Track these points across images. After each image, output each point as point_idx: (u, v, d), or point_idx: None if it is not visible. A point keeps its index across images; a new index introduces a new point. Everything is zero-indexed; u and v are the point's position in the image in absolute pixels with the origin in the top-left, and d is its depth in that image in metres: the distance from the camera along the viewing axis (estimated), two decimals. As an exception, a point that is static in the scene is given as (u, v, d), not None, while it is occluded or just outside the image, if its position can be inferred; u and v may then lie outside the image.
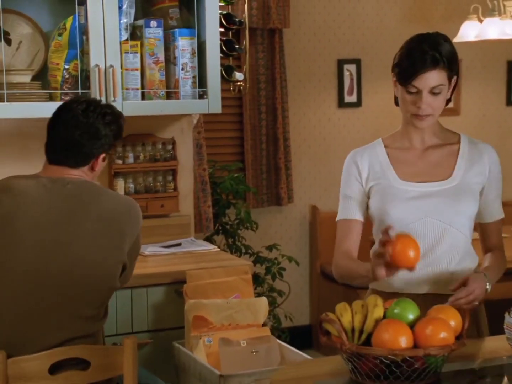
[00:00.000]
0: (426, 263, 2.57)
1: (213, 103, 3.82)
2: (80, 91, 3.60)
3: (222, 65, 4.00)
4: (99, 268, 2.71)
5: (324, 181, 5.95)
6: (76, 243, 2.68)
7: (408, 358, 2.03)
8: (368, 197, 2.68)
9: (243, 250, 4.98)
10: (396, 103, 2.65)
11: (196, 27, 3.79)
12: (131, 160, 4.03)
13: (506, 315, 2.34)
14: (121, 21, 3.68)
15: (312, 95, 5.92)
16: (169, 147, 4.13)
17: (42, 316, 2.65)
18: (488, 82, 6.37)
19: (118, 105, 3.52)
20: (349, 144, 5.61)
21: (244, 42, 4.41)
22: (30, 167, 3.64)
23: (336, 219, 2.75)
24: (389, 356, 2.02)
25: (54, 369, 2.58)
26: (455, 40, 5.42)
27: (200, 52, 3.80)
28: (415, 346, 2.06)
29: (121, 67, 3.67)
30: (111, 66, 3.61)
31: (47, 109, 3.52)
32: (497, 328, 2.41)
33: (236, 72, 4.20)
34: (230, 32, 4.27)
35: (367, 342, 2.10)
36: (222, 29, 4.09)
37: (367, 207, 2.69)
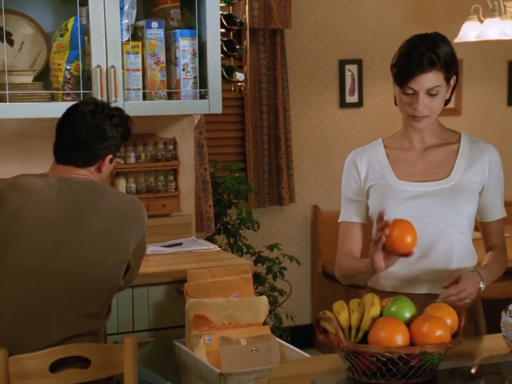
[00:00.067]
0: (425, 263, 2.58)
1: (214, 104, 3.84)
2: (81, 91, 3.62)
3: (223, 65, 4.02)
4: (103, 267, 2.73)
5: (326, 181, 5.96)
6: (80, 242, 2.70)
7: (404, 356, 2.04)
8: (367, 197, 2.69)
9: (245, 250, 5.00)
10: (396, 103, 2.66)
11: (197, 28, 3.81)
12: (132, 160, 4.05)
13: (503, 313, 2.35)
14: (123, 22, 3.69)
15: (314, 95, 5.93)
16: (171, 147, 4.15)
17: (44, 313, 2.66)
18: (489, 82, 6.38)
19: (119, 105, 3.54)
20: (350, 144, 5.62)
21: (245, 43, 4.42)
22: (31, 167, 3.68)
23: (338, 220, 2.78)
24: (386, 354, 2.03)
25: (55, 367, 2.60)
26: (456, 40, 5.44)
27: (201, 52, 3.82)
28: (412, 344, 2.07)
29: (123, 68, 3.68)
30: (113, 66, 3.62)
31: (49, 109, 3.58)
32: (496, 327, 2.42)
33: (237, 73, 4.21)
34: (231, 33, 4.28)
35: (364, 340, 2.11)
36: (223, 30, 4.10)
37: (367, 208, 2.70)
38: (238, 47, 4.24)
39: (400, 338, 2.06)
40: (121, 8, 3.68)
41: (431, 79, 2.50)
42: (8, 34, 3.74)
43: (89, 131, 2.81)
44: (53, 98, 3.67)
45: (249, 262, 3.78)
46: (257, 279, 4.89)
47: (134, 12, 3.78)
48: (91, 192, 2.80)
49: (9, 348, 2.56)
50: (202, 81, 3.84)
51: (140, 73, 3.75)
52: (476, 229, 2.74)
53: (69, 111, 2.89)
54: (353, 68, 5.98)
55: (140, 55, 3.75)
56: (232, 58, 4.35)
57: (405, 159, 2.67)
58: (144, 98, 3.77)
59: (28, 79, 3.64)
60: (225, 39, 4.19)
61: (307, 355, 3.18)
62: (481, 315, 2.73)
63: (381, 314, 2.16)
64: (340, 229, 2.75)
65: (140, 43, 3.76)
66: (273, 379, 2.20)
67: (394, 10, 6.07)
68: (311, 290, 6.00)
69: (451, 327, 2.14)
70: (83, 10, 3.64)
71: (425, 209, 2.56)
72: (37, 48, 3.82)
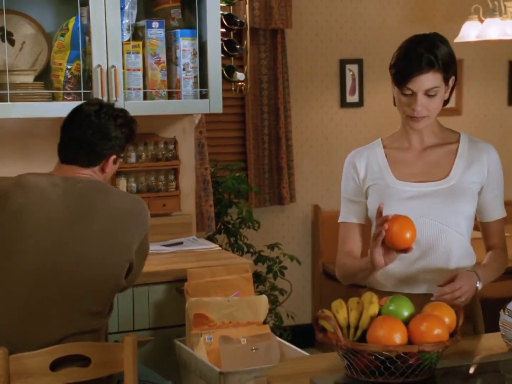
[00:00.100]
0: (424, 263, 2.59)
1: (214, 103, 3.84)
2: (82, 91, 3.63)
3: (223, 65, 4.03)
4: (105, 266, 2.74)
5: (326, 180, 5.97)
6: (83, 241, 2.71)
7: (402, 354, 2.04)
8: (366, 198, 2.69)
9: (245, 249, 5.01)
10: (395, 104, 2.67)
11: (197, 28, 3.82)
12: (133, 159, 4.06)
13: (502, 312, 2.36)
14: (123, 22, 3.70)
15: (314, 95, 5.94)
16: (171, 146, 4.16)
17: (44, 312, 2.67)
18: (489, 82, 6.38)
19: (120, 105, 3.56)
20: (351, 144, 5.63)
21: (245, 43, 4.43)
22: (32, 166, 3.69)
23: (338, 221, 2.78)
24: (384, 352, 2.04)
25: (55, 365, 2.61)
26: (456, 40, 5.45)
27: (202, 52, 3.83)
28: (410, 342, 2.07)
29: (123, 68, 3.69)
30: (113, 66, 3.63)
31: (49, 109, 3.59)
32: (495, 327, 2.42)
33: (237, 72, 4.22)
34: (232, 33, 4.29)
35: (363, 338, 2.12)
36: (224, 30, 4.11)
37: (367, 209, 2.70)
38: (238, 47, 4.25)
39: (398, 337, 2.06)
40: (122, 8, 3.69)
41: (429, 80, 2.50)
42: (9, 34, 3.75)
43: (93, 131, 2.83)
44: (54, 98, 3.68)
45: (249, 261, 3.79)
46: (258, 278, 4.90)
47: (135, 12, 3.79)
48: (94, 192, 2.81)
49: (10, 346, 2.56)
50: (202, 80, 3.84)
51: (140, 73, 3.76)
52: (476, 228, 2.74)
53: (74, 111, 2.91)
54: (354, 67, 5.99)
55: (140, 55, 3.76)
56: (232, 58, 4.36)
57: (404, 159, 2.67)
58: (145, 97, 3.78)
59: (29, 78, 3.65)
60: (226, 39, 4.19)
61: (307, 354, 3.19)
62: (480, 315, 2.73)
63: (379, 313, 2.16)
64: (340, 229, 2.76)
65: (140, 43, 3.77)
66: (272, 377, 2.20)
67: (394, 10, 6.07)
68: (312, 290, 6.01)
69: (449, 326, 2.14)
70: (84, 10, 3.65)
71: (424, 210, 2.55)
72: (38, 48, 3.83)
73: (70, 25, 3.64)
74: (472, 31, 5.42)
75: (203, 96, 3.85)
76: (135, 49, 3.74)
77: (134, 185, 4.06)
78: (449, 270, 2.58)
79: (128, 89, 3.73)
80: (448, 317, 2.17)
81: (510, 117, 6.49)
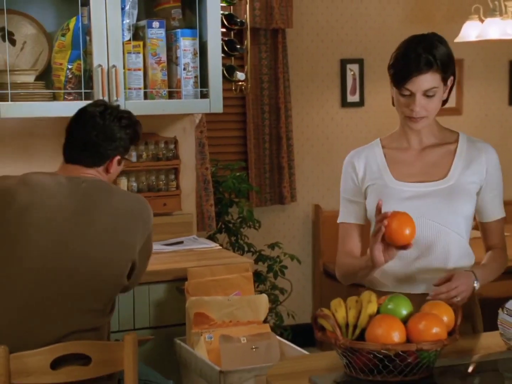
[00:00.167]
0: (422, 263, 2.59)
1: (215, 103, 3.85)
2: (83, 91, 3.64)
3: (224, 65, 4.04)
4: (107, 265, 2.76)
5: (327, 180, 5.98)
6: (85, 240, 2.73)
7: (401, 353, 2.05)
8: (365, 198, 2.69)
9: (246, 248, 5.02)
10: (394, 104, 2.67)
11: (198, 28, 3.83)
12: (134, 159, 4.06)
13: (500, 311, 2.37)
14: (124, 22, 3.71)
15: (315, 95, 5.95)
16: (172, 146, 4.17)
17: (46, 310, 2.69)
18: (490, 82, 6.39)
19: (121, 104, 3.56)
20: (351, 144, 5.63)
21: (245, 42, 4.44)
22: (33, 166, 3.72)
23: (337, 221, 2.78)
24: (382, 351, 2.04)
25: (56, 364, 2.62)
26: (457, 40, 5.45)
27: (202, 52, 3.84)
28: (408, 341, 2.08)
29: (124, 67, 3.70)
30: (114, 66, 3.64)
31: (50, 108, 3.60)
32: (495, 326, 2.43)
33: (238, 72, 4.23)
34: (232, 33, 4.30)
35: (361, 337, 2.12)
36: (224, 30, 4.12)
37: (366, 209, 2.70)
38: (239, 46, 4.26)
39: (396, 335, 2.07)
40: (123, 8, 3.70)
41: (428, 80, 2.50)
42: (10, 34, 3.76)
43: (98, 132, 2.87)
44: (54, 98, 3.69)
45: (250, 261, 3.79)
46: (258, 277, 4.91)
47: (136, 12, 3.80)
48: (98, 191, 2.83)
49: (10, 345, 2.58)
50: (203, 80, 3.85)
51: (141, 73, 3.77)
52: (475, 228, 2.75)
53: (79, 112, 2.95)
54: (355, 67, 6.00)
55: (141, 55, 3.77)
56: (233, 58, 4.37)
57: (403, 160, 2.67)
58: (145, 97, 3.79)
59: (30, 78, 3.67)
60: (226, 38, 4.21)
61: (307, 353, 3.20)
62: (479, 314, 2.73)
63: (378, 312, 2.17)
64: (339, 230, 2.77)
65: (141, 43, 3.78)
66: (271, 376, 2.21)
67: (395, 10, 6.08)
68: (312, 289, 6.02)
69: (447, 325, 2.15)
70: (84, 10, 3.66)
71: (422, 210, 2.55)
72: (39, 47, 3.84)
73: (71, 25, 3.65)
74: (472, 31, 5.43)
75: (204, 95, 3.86)
76: (135, 49, 3.75)
77: (134, 184, 4.07)
78: (447, 270, 2.58)
79: (129, 88, 3.74)
80: (447, 316, 2.17)
81: (510, 117, 6.49)
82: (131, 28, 3.76)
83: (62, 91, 3.66)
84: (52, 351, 2.61)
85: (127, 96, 3.71)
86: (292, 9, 5.66)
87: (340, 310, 2.18)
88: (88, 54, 3.67)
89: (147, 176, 4.12)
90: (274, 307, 5.03)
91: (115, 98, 3.62)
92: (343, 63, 5.97)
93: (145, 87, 3.79)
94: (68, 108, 3.60)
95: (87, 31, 3.66)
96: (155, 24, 3.79)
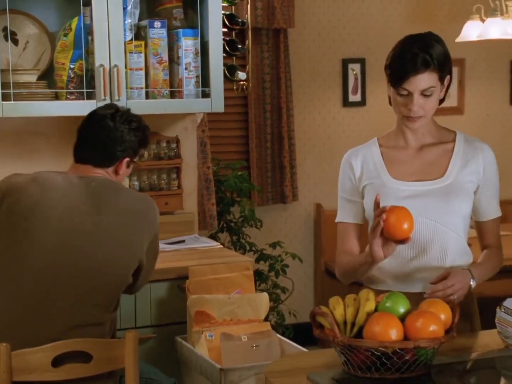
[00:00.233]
0: (420, 262, 2.59)
1: (216, 102, 3.86)
2: (85, 90, 3.65)
3: (225, 64, 4.05)
4: (113, 263, 2.80)
5: (329, 179, 5.98)
6: (92, 238, 2.78)
7: (398, 350, 2.06)
8: (363, 197, 2.69)
9: (247, 248, 5.04)
10: (390, 103, 2.68)
11: (199, 28, 3.84)
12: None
13: (498, 309, 2.38)
14: (126, 22, 3.73)
15: (317, 94, 5.96)
16: (173, 145, 4.19)
17: (52, 302, 2.73)
18: (491, 82, 6.39)
19: (122, 104, 3.58)
20: (353, 143, 5.56)
21: (247, 42, 4.46)
22: (35, 165, 3.74)
23: (336, 220, 2.79)
24: (380, 348, 2.06)
25: (57, 361, 2.64)
26: (458, 40, 5.46)
27: (204, 52, 3.85)
28: (406, 338, 2.09)
29: (126, 67, 3.72)
30: (116, 66, 3.65)
31: (52, 108, 3.62)
32: (494, 325, 2.44)
33: (239, 72, 4.25)
34: (233, 32, 4.31)
35: (359, 335, 2.14)
36: (225, 29, 4.13)
37: (364, 209, 2.70)
38: (240, 46, 4.27)
39: (394, 333, 2.08)
40: (124, 8, 3.71)
41: (425, 79, 2.50)
42: (13, 33, 3.78)
43: (108, 133, 2.93)
44: (57, 97, 3.71)
45: (250, 259, 3.81)
46: (260, 276, 4.93)
47: (137, 12, 3.82)
48: (106, 190, 2.89)
49: (13, 340, 2.61)
50: (204, 80, 3.87)
51: (143, 72, 3.79)
52: (472, 227, 2.76)
53: (91, 114, 3.02)
54: (356, 67, 6.01)
55: (143, 55, 3.79)
56: (235, 58, 4.38)
57: (400, 158, 2.67)
58: (147, 97, 3.81)
59: (32, 78, 3.69)
60: (227, 38, 4.22)
61: (304, 350, 3.21)
62: (476, 313, 2.73)
63: (376, 310, 2.18)
64: (337, 229, 2.77)
65: (143, 43, 3.80)
66: (270, 372, 2.22)
67: (397, 10, 6.09)
68: (314, 288, 6.04)
69: (445, 323, 2.16)
70: (86, 10, 3.67)
71: (420, 209, 2.54)
72: (41, 47, 3.86)
73: (73, 25, 3.67)
74: (473, 30, 5.44)
75: (205, 95, 3.87)
76: (137, 49, 3.77)
77: (136, 183, 4.09)
78: (445, 268, 2.58)
79: (131, 88, 3.76)
80: (444, 314, 2.18)
81: (512, 117, 6.51)
82: (133, 28, 3.77)
83: (64, 90, 3.68)
84: (53, 348, 2.63)
85: (129, 96, 3.73)
86: (294, 9, 5.68)
87: (338, 308, 2.19)
88: (90, 53, 3.69)
89: (149, 175, 4.14)
90: (275, 306, 5.05)
91: (116, 98, 3.64)
92: (345, 62, 5.99)
93: (147, 86, 3.81)
94: (70, 107, 3.65)
95: (89, 31, 3.68)
96: (157, 24, 3.81)
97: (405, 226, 2.37)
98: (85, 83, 3.67)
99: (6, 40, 3.72)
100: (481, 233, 2.75)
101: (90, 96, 3.65)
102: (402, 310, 2.18)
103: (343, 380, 2.13)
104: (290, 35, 5.76)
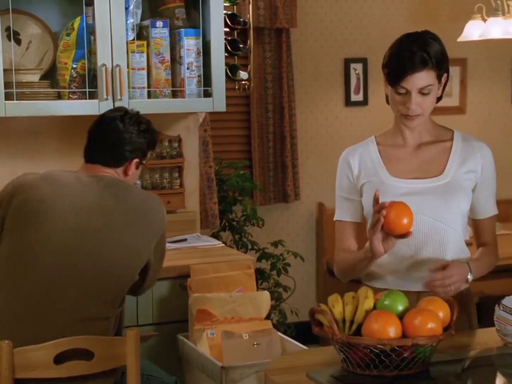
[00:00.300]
0: (419, 259, 2.59)
1: (218, 102, 3.88)
2: (87, 90, 3.67)
3: (227, 64, 4.07)
4: (120, 262, 2.84)
5: (331, 179, 5.91)
6: (98, 235, 2.82)
7: (396, 348, 2.08)
8: (361, 196, 2.70)
9: (249, 246, 5.05)
10: (388, 102, 2.69)
11: (201, 27, 3.85)
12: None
13: (496, 307, 2.39)
14: (128, 22, 3.74)
15: (319, 94, 5.98)
16: (175, 144, 4.21)
17: (54, 300, 2.76)
18: (493, 81, 6.40)
19: (124, 104, 3.61)
20: (355, 143, 5.58)
21: (248, 42, 4.47)
22: (38, 165, 3.75)
23: (334, 219, 2.80)
24: (378, 346, 2.07)
25: (59, 359, 2.67)
26: (459, 39, 5.48)
27: (205, 51, 3.86)
28: (404, 336, 2.11)
29: (128, 67, 3.73)
30: (118, 65, 3.67)
31: (55, 107, 3.63)
32: (493, 323, 2.46)
33: (241, 71, 4.26)
34: (235, 32, 4.33)
35: (358, 332, 2.15)
36: (227, 29, 4.15)
37: (362, 207, 2.71)
38: (242, 46, 4.28)
39: (392, 331, 2.10)
40: (127, 8, 3.73)
41: (423, 78, 2.51)
42: (16, 33, 3.79)
43: (117, 134, 2.98)
44: (59, 97, 3.72)
45: (252, 258, 3.83)
46: (262, 275, 4.94)
47: (139, 11, 3.83)
48: (115, 189, 2.93)
49: (16, 337, 2.65)
50: (206, 79, 3.88)
51: (145, 72, 3.80)
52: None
53: (101, 116, 3.08)
54: (359, 66, 6.02)
55: (145, 54, 3.80)
56: (237, 57, 4.39)
57: (398, 156, 2.68)
58: (149, 96, 3.82)
59: (35, 77, 3.70)
60: (229, 38, 4.23)
61: (304, 347, 3.22)
62: (473, 307, 2.74)
63: (374, 307, 2.20)
64: (335, 228, 2.78)
65: (145, 42, 3.81)
66: (270, 370, 2.23)
67: (399, 9, 6.10)
68: (316, 287, 6.05)
69: (443, 320, 2.17)
70: (89, 9, 3.68)
71: (418, 206, 2.53)
72: (44, 47, 3.87)
73: (76, 25, 3.68)
74: (475, 30, 5.45)
75: (207, 94, 3.88)
76: (139, 49, 3.78)
77: (138, 182, 4.10)
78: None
79: (133, 88, 3.77)
80: (442, 312, 2.20)
81: (514, 116, 6.51)
82: (135, 27, 3.78)
83: (67, 90, 3.70)
84: (55, 346, 2.65)
85: (131, 95, 3.74)
86: (296, 8, 5.69)
87: (337, 306, 2.20)
88: (92, 53, 3.70)
89: (151, 174, 4.16)
90: (277, 305, 5.06)
91: (119, 97, 3.66)
92: (347, 62, 6.00)
93: (149, 86, 3.82)
94: (73, 107, 3.67)
95: (91, 30, 3.69)
96: (159, 23, 3.82)
97: (405, 221, 2.39)
98: (88, 82, 3.68)
99: (9, 40, 3.74)
100: (477, 231, 2.76)
101: (93, 95, 3.67)
102: (400, 308, 2.19)
103: (342, 378, 2.15)
104: (292, 34, 5.77)
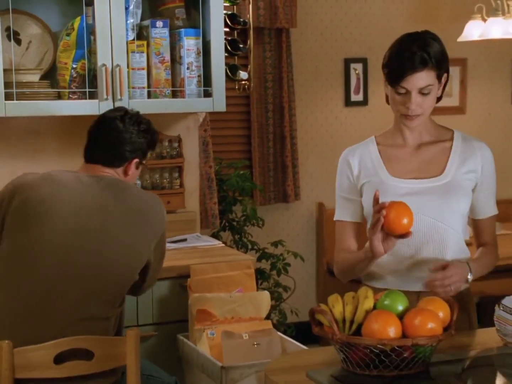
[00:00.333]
0: (419, 259, 2.59)
1: (218, 102, 3.88)
2: (87, 90, 3.67)
3: (227, 64, 4.07)
4: (119, 262, 2.85)
5: (331, 178, 5.89)
6: (98, 235, 2.83)
7: (396, 348, 2.08)
8: (361, 196, 2.70)
9: (249, 246, 5.05)
10: (388, 102, 2.69)
11: (201, 27, 3.85)
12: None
13: (496, 307, 2.39)
14: (128, 22, 3.74)
15: (319, 94, 5.98)
16: (175, 144, 4.21)
17: (54, 300, 2.77)
18: (493, 81, 6.40)
19: (124, 104, 3.61)
20: (355, 143, 5.59)
21: (248, 42, 4.48)
22: (38, 165, 3.75)
23: (334, 219, 2.80)
24: (378, 346, 2.07)
25: (59, 359, 2.67)
26: (459, 39, 5.48)
27: (205, 51, 3.86)
28: (404, 336, 2.11)
29: (128, 67, 3.73)
30: (118, 65, 3.67)
31: (55, 107, 3.64)
32: (493, 324, 2.46)
33: (241, 71, 4.26)
34: (235, 32, 4.33)
35: (358, 332, 2.15)
36: (227, 29, 4.15)
37: (362, 207, 2.71)
38: (242, 46, 4.29)
39: (392, 331, 2.10)
40: (127, 8, 3.73)
41: (423, 78, 2.51)
42: (16, 33, 3.80)
43: (117, 134, 2.99)
44: (59, 97, 3.72)
45: (252, 258, 3.83)
46: (262, 275, 4.94)
47: (139, 11, 3.83)
48: (114, 189, 2.94)
49: (16, 337, 2.65)
50: (206, 79, 3.88)
51: (145, 72, 3.80)
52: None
53: (101, 116, 3.09)
54: (359, 66, 6.02)
55: (145, 54, 3.80)
56: (237, 57, 4.40)
57: (398, 156, 2.68)
58: (149, 96, 3.82)
59: (35, 77, 3.70)
60: (229, 38, 4.23)
61: (304, 347, 3.22)
62: (473, 306, 2.74)
63: (374, 307, 2.20)
64: (335, 228, 2.78)
65: (145, 42, 3.81)
66: (270, 370, 2.23)
67: (399, 9, 6.11)
68: (316, 287, 6.05)
69: (443, 320, 2.18)
70: (89, 9, 3.69)
71: (418, 206, 2.53)
72: (44, 47, 3.88)
73: (76, 25, 3.68)
74: (475, 30, 5.45)
75: (207, 94, 3.89)
76: (139, 48, 3.78)
77: (138, 182, 4.10)
78: None
79: (133, 88, 3.77)
80: (442, 312, 2.20)
81: (514, 116, 6.51)
82: (135, 27, 3.79)
83: (67, 90, 3.70)
84: (55, 346, 2.65)
85: (131, 95, 3.74)
86: (296, 8, 5.70)
87: (337, 306, 2.20)
88: (92, 53, 3.70)
89: (151, 174, 4.16)
90: (277, 305, 5.07)
91: (119, 97, 3.66)
92: (347, 62, 6.00)
93: (149, 86, 3.82)
94: (73, 107, 3.67)
95: (91, 30, 3.69)
96: (159, 23, 3.82)
97: (405, 221, 2.39)
98: (88, 82, 3.68)
99: (9, 40, 3.74)
100: (477, 231, 2.76)
101: (93, 95, 3.67)
102: (400, 308, 2.19)
103: (342, 378, 2.15)
104: (292, 34, 5.78)
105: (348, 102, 6.04)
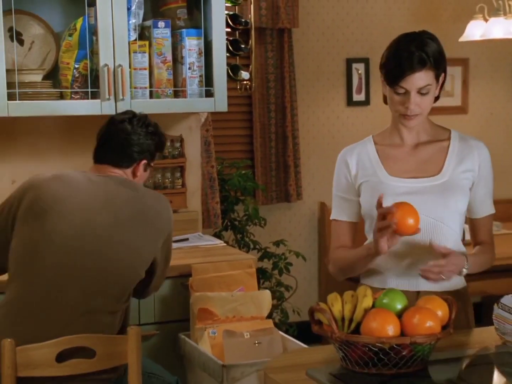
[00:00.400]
0: (417, 258, 2.59)
1: (220, 102, 3.89)
2: (89, 90, 3.69)
3: (228, 64, 4.09)
4: (125, 262, 2.88)
5: (333, 178, 5.99)
6: (105, 237, 2.86)
7: (395, 346, 2.09)
8: (359, 195, 2.70)
9: (251, 246, 5.06)
10: (385, 102, 2.70)
11: (203, 28, 3.86)
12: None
13: (495, 306, 2.40)
14: (130, 22, 3.76)
15: (321, 94, 5.99)
16: (177, 144, 4.22)
17: (54, 300, 2.79)
18: (495, 81, 6.41)
19: (126, 103, 3.63)
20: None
21: (250, 42, 4.49)
22: (41, 164, 3.77)
23: (330, 218, 2.81)
24: (377, 344, 2.08)
25: (61, 357, 2.69)
26: (461, 39, 5.49)
27: (207, 51, 3.88)
28: (403, 334, 2.12)
29: (130, 67, 3.75)
30: (120, 65, 3.68)
31: (57, 107, 3.65)
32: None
33: (242, 71, 4.28)
34: (237, 32, 4.34)
35: (357, 331, 2.16)
36: (229, 29, 4.17)
37: (359, 207, 2.71)
38: (243, 46, 4.30)
39: (391, 329, 2.11)
40: (129, 8, 3.74)
41: (422, 78, 2.51)
42: (19, 34, 3.81)
43: (126, 136, 3.03)
44: (62, 97, 3.74)
45: (253, 257, 3.83)
46: (264, 274, 4.95)
47: (141, 12, 3.84)
48: (122, 189, 2.98)
49: (19, 335, 2.67)
50: (208, 79, 3.90)
51: (147, 72, 3.82)
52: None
53: (110, 119, 3.13)
54: (360, 66, 6.03)
55: (147, 54, 3.81)
56: (238, 57, 4.41)
57: (396, 156, 2.68)
58: (151, 96, 3.84)
59: (38, 77, 3.72)
60: (231, 38, 4.25)
61: (304, 346, 3.23)
62: (471, 308, 2.75)
63: (373, 306, 2.21)
64: (331, 227, 2.79)
65: (147, 43, 3.82)
66: (270, 369, 2.25)
67: (400, 9, 6.12)
68: (318, 286, 6.06)
69: (441, 319, 2.18)
70: (91, 10, 3.70)
71: (417, 205, 2.48)
72: (47, 47, 3.89)
73: (78, 25, 3.70)
74: (477, 30, 5.45)
75: (209, 94, 3.90)
76: (141, 49, 3.80)
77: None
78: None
79: (135, 88, 3.79)
80: (441, 310, 2.21)
81: (516, 116, 6.52)
82: (137, 28, 3.80)
83: (69, 90, 3.72)
84: (57, 344, 2.67)
85: (133, 95, 3.76)
86: (298, 8, 5.70)
87: (336, 304, 2.21)
88: (94, 53, 3.72)
89: (153, 173, 4.17)
90: (279, 304, 5.07)
91: (121, 97, 3.67)
92: (349, 62, 6.01)
93: (151, 86, 3.83)
94: (75, 107, 3.68)
95: (93, 31, 3.71)
96: (161, 24, 3.84)
97: (411, 221, 2.38)
98: (90, 82, 3.70)
99: (12, 40, 3.74)
100: (474, 230, 2.76)
101: (95, 95, 3.69)
102: (399, 306, 2.20)
103: (341, 376, 2.16)
104: (294, 34, 5.79)
105: (350, 102, 6.05)
